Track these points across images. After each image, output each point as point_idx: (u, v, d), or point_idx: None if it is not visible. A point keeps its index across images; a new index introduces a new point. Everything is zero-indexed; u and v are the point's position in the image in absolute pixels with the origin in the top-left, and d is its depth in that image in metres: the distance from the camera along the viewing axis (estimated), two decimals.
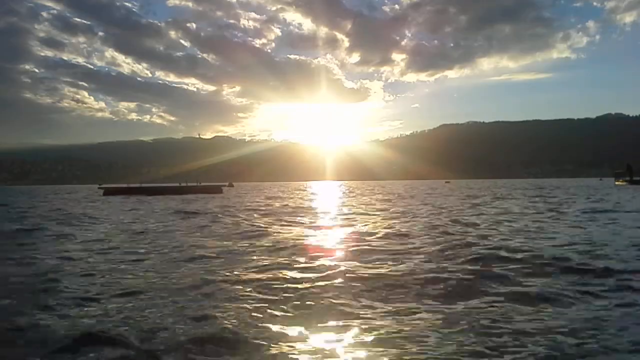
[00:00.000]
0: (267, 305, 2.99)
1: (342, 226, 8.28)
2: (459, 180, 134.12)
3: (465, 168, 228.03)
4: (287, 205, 15.65)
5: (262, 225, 8.38)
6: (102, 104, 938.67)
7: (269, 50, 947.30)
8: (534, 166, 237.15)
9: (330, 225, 8.57)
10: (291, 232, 7.29)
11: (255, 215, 11.06)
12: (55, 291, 3.50)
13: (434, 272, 4.01)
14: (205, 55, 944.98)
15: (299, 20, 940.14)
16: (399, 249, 5.34)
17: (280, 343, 2.35)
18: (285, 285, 3.58)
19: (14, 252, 5.55)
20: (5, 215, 12.05)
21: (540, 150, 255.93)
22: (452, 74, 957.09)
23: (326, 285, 3.61)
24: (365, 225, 8.28)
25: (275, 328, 2.59)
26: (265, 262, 4.67)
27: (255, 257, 5.00)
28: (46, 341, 2.38)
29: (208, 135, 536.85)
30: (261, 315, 2.79)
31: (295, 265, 4.48)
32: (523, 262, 4.35)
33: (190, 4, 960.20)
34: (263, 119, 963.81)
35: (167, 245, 6.08)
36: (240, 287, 3.55)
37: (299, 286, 3.56)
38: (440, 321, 2.69)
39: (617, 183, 36.53)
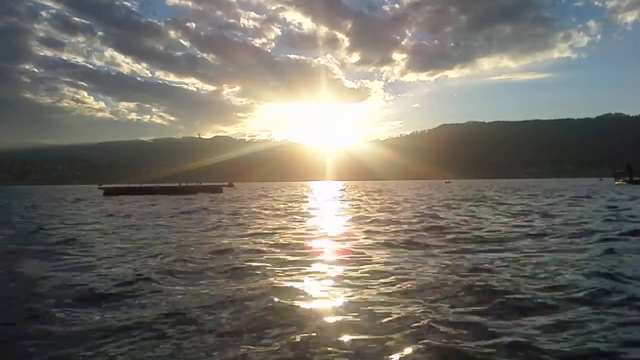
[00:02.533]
0: None
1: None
2: (459, 180, 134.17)
3: (465, 168, 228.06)
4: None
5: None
6: (102, 104, 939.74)
7: (269, 50, 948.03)
8: (534, 166, 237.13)
9: None
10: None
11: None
12: None
13: None
14: (205, 55, 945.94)
15: (299, 19, 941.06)
16: None
17: None
18: None
19: None
20: None
21: (540, 150, 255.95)
22: (452, 73, 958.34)
23: None
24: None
25: None
26: None
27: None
28: None
29: (208, 135, 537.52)
30: None
31: None
32: None
33: (190, 4, 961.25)
34: (263, 119, 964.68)
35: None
36: None
37: None
38: None
39: (617, 183, 36.59)
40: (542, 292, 3.23)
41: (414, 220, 9.02)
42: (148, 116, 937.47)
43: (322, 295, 3.29)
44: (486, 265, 4.29)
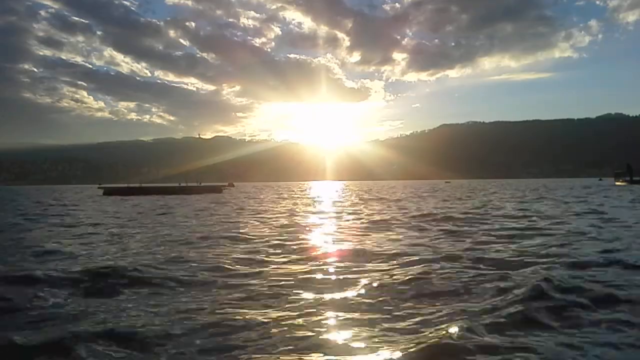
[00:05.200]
0: None
1: None
2: (459, 180, 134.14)
3: (465, 168, 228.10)
4: None
5: None
6: (102, 104, 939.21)
7: (269, 50, 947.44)
8: (534, 166, 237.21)
9: None
10: None
11: None
12: None
13: None
14: (204, 54, 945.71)
15: (299, 19, 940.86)
16: None
17: None
18: None
19: None
20: None
21: (540, 150, 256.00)
22: (453, 73, 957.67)
23: None
24: None
25: None
26: None
27: None
28: None
29: (208, 135, 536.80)
30: None
31: None
32: None
33: (189, 3, 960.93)
34: (263, 119, 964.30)
35: None
36: None
37: None
38: None
39: (617, 183, 36.56)
40: None
41: None
42: (148, 116, 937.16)
43: None
44: None
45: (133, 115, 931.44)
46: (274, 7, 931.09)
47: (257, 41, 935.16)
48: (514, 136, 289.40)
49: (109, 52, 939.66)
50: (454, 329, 2.28)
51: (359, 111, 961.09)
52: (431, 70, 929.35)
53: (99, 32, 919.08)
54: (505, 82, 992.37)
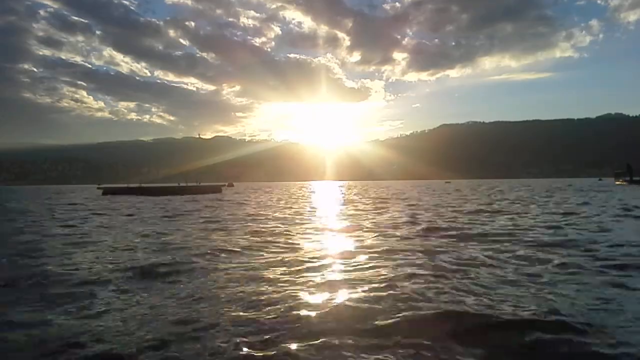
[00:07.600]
0: None
1: None
2: (459, 180, 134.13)
3: (465, 168, 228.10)
4: None
5: None
6: (102, 104, 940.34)
7: (269, 49, 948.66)
8: (534, 166, 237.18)
9: None
10: None
11: None
12: None
13: None
14: (204, 54, 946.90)
15: (299, 18, 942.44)
16: None
17: None
18: None
19: None
20: None
21: (540, 150, 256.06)
22: (453, 73, 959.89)
23: None
24: None
25: None
26: None
27: None
28: None
29: (208, 135, 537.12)
30: None
31: None
32: None
33: (189, 2, 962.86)
34: (263, 118, 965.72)
35: None
36: None
37: None
38: None
39: (617, 183, 36.54)
40: None
41: None
42: (148, 116, 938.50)
43: None
44: None
45: (133, 115, 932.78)
46: (273, 6, 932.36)
47: (257, 41, 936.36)
48: (514, 136, 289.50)
49: (108, 52, 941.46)
50: None
51: (359, 111, 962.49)
52: (431, 70, 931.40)
53: (98, 32, 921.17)
54: (505, 82, 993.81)
